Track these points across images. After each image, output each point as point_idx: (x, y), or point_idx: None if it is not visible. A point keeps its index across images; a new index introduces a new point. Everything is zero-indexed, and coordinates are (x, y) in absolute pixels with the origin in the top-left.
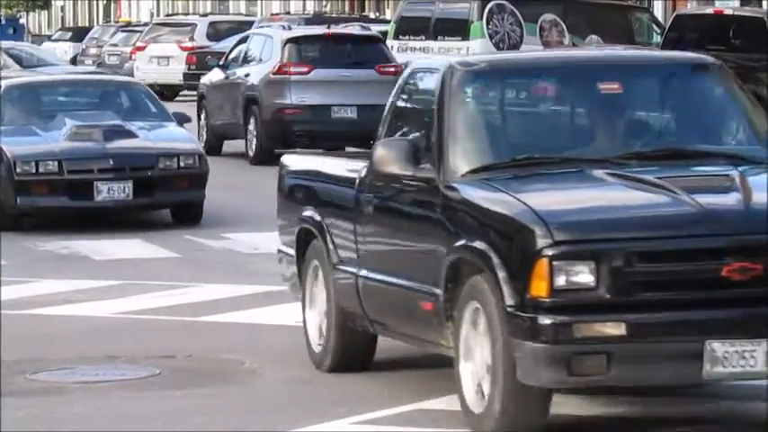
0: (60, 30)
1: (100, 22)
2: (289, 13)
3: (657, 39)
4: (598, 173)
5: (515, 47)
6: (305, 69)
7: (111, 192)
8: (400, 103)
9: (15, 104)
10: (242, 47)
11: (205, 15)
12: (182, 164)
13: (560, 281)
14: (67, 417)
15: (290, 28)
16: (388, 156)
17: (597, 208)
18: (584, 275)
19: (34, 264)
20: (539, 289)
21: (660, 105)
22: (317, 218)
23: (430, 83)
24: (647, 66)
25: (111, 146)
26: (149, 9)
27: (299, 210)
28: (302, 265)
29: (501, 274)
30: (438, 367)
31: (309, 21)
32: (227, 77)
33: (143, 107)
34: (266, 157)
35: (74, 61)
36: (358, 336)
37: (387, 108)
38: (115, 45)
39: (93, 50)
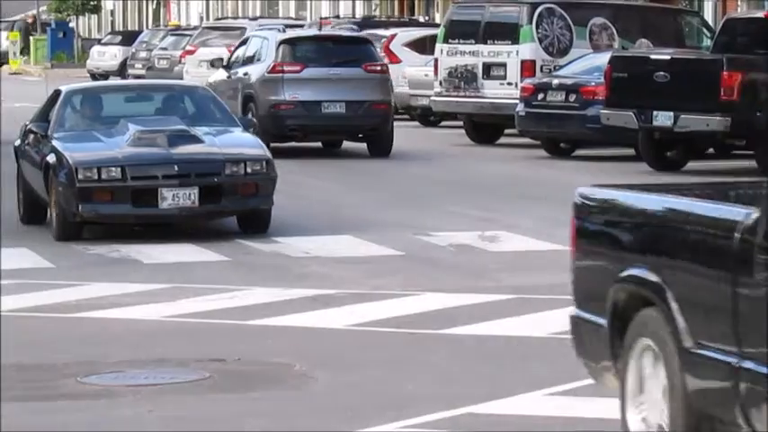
0: (110, 33)
1: (149, 26)
2: (338, 16)
3: (708, 42)
4: None
5: (565, 51)
6: (297, 68)
7: (176, 199)
8: None
9: (76, 110)
10: (242, 48)
11: (254, 19)
12: (248, 170)
13: None
14: (117, 420)
15: (284, 30)
16: None
17: None
18: None
19: (84, 267)
20: None
21: None
22: (653, 278)
23: None
24: None
25: (176, 151)
26: (199, 13)
27: (618, 264)
28: (619, 341)
29: None
30: (487, 371)
31: (359, 24)
32: (229, 77)
33: (208, 112)
34: None
35: (123, 65)
36: None
37: None
38: (165, 49)
39: (142, 54)
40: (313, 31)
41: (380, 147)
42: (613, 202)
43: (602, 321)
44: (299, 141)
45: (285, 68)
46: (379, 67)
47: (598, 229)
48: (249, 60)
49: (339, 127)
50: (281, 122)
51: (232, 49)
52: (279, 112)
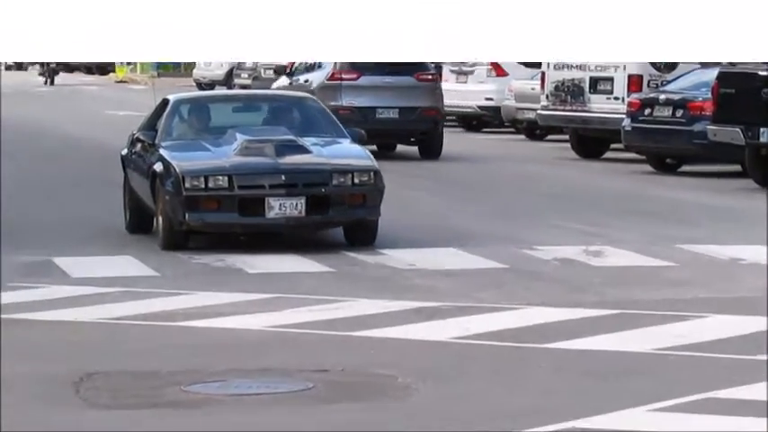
0: None
1: None
2: None
3: None
4: None
5: (673, 66)
6: (354, 76)
7: (283, 208)
8: None
9: (184, 119)
10: None
11: None
12: (356, 180)
13: None
14: (221, 429)
15: None
16: None
17: None
18: None
19: (189, 276)
20: None
21: None
22: None
23: None
24: None
25: (284, 161)
26: None
27: None
28: None
29: None
30: (590, 386)
31: None
32: (291, 83)
33: (316, 123)
34: None
35: (229, 75)
36: None
37: None
38: None
39: (248, 64)
40: None
41: (431, 150)
42: None
43: None
44: None
45: (343, 76)
46: (429, 76)
47: None
48: (310, 68)
49: (393, 131)
50: None
51: None
52: (337, 117)
